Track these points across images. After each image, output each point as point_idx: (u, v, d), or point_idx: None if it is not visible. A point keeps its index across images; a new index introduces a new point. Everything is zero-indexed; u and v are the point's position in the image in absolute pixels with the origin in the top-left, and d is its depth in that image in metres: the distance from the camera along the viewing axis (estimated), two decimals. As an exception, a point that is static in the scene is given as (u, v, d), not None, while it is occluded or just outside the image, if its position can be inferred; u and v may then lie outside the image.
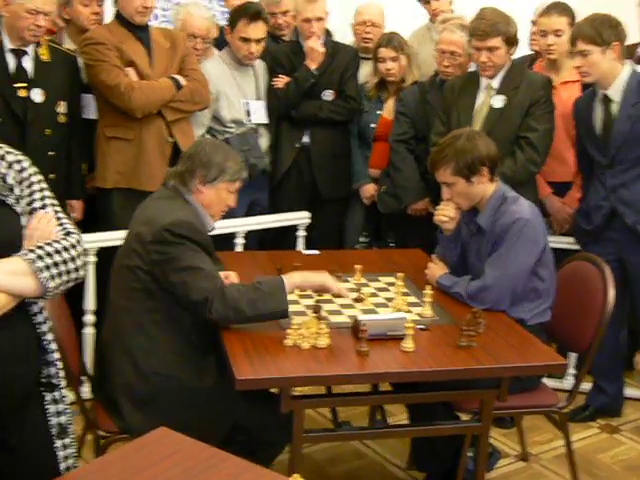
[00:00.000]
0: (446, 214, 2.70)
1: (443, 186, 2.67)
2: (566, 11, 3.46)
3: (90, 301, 3.21)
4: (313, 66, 3.75)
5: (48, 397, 1.91)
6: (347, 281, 2.76)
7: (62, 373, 1.93)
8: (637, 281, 3.17)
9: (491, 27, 3.11)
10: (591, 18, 3.01)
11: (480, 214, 2.67)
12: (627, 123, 2.99)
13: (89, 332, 3.20)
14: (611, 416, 3.40)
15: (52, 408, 1.91)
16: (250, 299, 2.25)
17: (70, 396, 2.00)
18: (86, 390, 2.71)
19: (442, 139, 2.74)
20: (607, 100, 3.04)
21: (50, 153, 3.26)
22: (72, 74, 3.39)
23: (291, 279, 2.32)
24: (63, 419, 1.93)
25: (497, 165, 2.66)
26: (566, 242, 3.48)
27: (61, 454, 1.92)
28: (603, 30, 2.92)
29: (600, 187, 3.15)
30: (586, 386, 3.33)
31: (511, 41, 3.18)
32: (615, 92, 3.01)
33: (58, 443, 1.92)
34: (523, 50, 3.93)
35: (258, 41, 3.62)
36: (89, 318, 3.22)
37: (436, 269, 2.77)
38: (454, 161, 2.58)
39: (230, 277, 2.56)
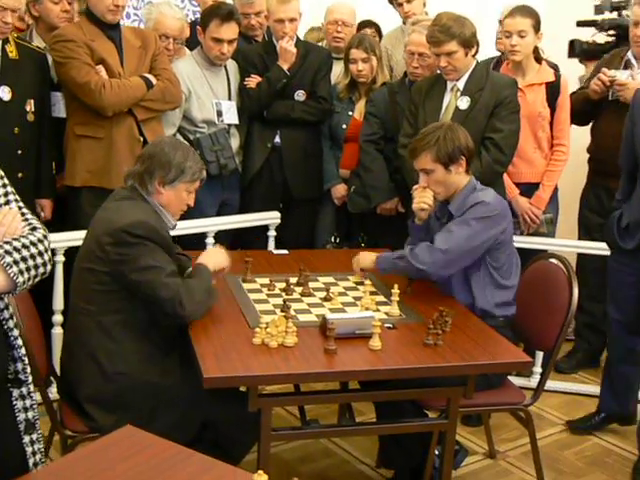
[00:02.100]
0: (426, 201, 2.73)
1: (421, 174, 2.72)
2: (530, 13, 3.50)
3: (59, 301, 3.19)
4: (285, 66, 3.76)
5: (15, 393, 1.91)
6: (316, 280, 2.78)
7: (29, 369, 1.93)
8: None
9: (445, 32, 3.11)
10: None
11: (451, 203, 2.73)
12: None
13: (57, 332, 3.17)
14: (625, 424, 3.26)
15: (19, 404, 1.91)
16: (203, 290, 2.38)
17: (37, 396, 1.99)
18: (54, 391, 2.70)
19: (423, 130, 2.77)
20: None
21: (19, 152, 3.23)
22: (41, 72, 3.36)
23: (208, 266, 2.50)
24: (30, 415, 1.93)
25: (473, 159, 2.73)
26: (533, 242, 3.54)
27: (29, 450, 1.93)
28: None
29: None
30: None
31: (469, 43, 3.16)
32: None
33: (26, 439, 1.92)
34: (493, 51, 3.98)
35: (230, 42, 3.62)
36: (57, 318, 3.20)
37: (364, 256, 2.78)
38: (436, 147, 2.64)
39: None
